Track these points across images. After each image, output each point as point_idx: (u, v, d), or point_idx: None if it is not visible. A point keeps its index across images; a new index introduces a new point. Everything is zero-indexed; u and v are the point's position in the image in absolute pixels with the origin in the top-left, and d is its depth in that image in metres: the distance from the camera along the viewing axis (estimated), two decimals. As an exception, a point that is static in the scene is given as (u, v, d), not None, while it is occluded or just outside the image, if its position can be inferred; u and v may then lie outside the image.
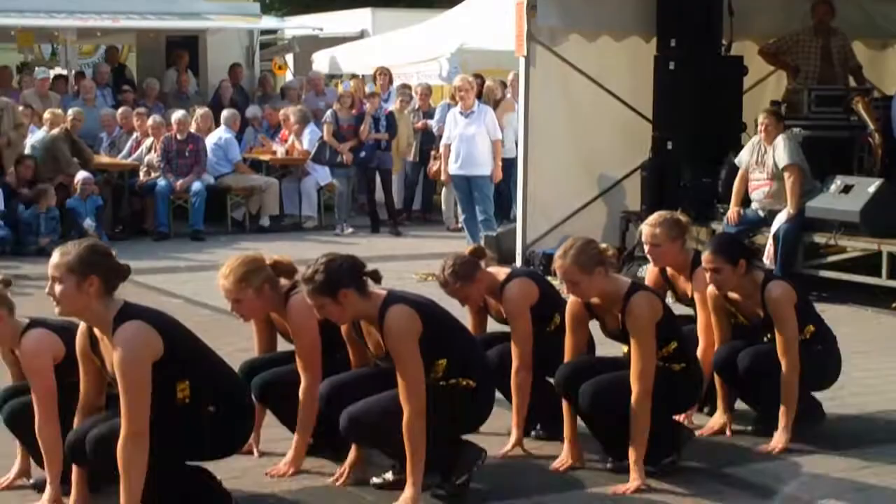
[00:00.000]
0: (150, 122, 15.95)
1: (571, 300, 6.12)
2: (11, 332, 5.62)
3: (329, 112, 16.04)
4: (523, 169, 12.37)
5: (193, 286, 11.36)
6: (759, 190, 11.24)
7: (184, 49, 19.56)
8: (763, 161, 11.14)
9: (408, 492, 5.46)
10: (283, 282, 6.04)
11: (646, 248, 6.86)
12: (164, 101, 18.28)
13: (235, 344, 8.47)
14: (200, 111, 16.54)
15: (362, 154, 15.51)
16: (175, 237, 15.05)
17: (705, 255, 6.46)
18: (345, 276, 5.47)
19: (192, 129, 15.76)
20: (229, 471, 5.86)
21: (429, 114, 16.55)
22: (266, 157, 16.74)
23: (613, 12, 12.39)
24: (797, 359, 6.35)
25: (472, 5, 19.06)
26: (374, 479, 5.88)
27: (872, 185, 10.71)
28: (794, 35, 12.58)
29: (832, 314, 9.04)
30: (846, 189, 10.77)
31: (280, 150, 16.67)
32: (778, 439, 6.36)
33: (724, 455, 6.37)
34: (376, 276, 5.58)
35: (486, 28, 17.36)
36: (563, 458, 6.10)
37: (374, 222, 15.92)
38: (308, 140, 16.22)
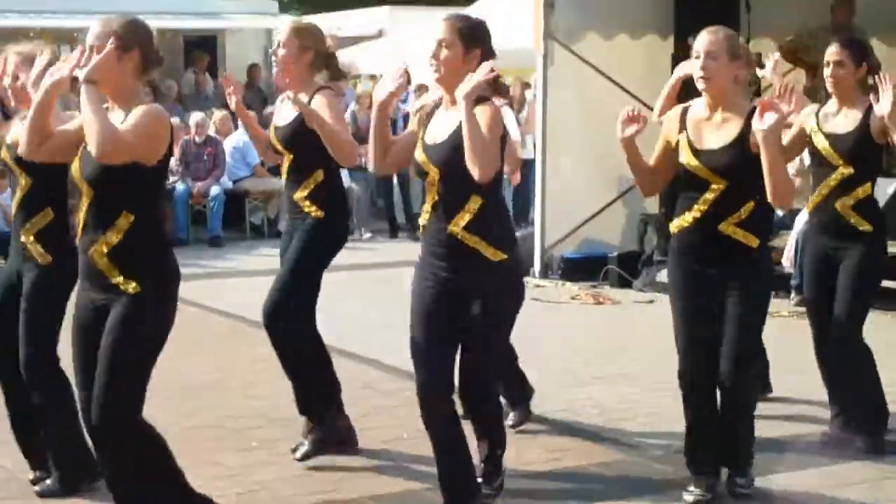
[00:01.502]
0: (168, 125, 15.95)
1: (673, 111, 5.97)
2: None
3: (348, 113, 16.00)
4: (541, 171, 12.33)
5: (212, 294, 11.32)
6: (782, 187, 11.17)
7: (201, 49, 19.57)
8: (789, 160, 11.11)
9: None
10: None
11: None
12: (182, 102, 18.29)
13: (252, 353, 8.49)
14: (219, 113, 16.52)
15: (380, 157, 15.47)
16: (193, 243, 15.05)
17: (831, 49, 6.52)
18: (487, 39, 5.45)
19: (211, 131, 15.75)
20: (248, 485, 5.86)
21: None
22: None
23: (630, 10, 12.36)
24: None
25: (490, 3, 19.00)
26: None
27: (892, 186, 10.61)
28: (811, 33, 12.45)
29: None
30: (866, 189, 10.61)
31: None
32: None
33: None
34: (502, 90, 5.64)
35: (503, 26, 17.27)
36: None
37: (393, 227, 15.89)
38: (327, 142, 16.19)
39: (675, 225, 5.80)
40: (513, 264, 5.43)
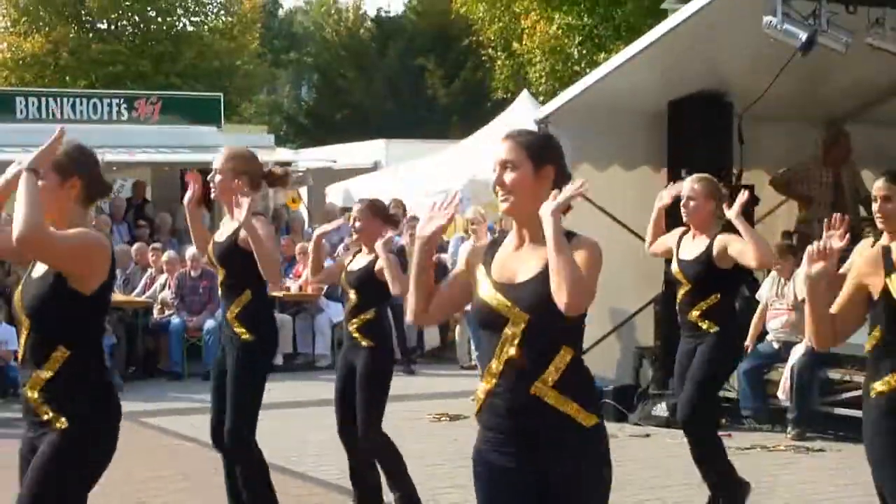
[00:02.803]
0: (164, 257, 15.97)
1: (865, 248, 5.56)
2: None
3: (341, 246, 16.03)
4: (536, 303, 12.28)
5: (205, 428, 11.15)
6: (777, 319, 11.21)
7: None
8: (783, 293, 11.19)
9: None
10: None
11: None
12: (177, 236, 18.35)
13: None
14: (214, 247, 16.56)
15: (374, 290, 15.47)
16: (189, 377, 14.90)
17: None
18: (559, 155, 4.37)
19: (206, 264, 15.77)
20: None
21: (441, 247, 16.50)
22: (279, 294, 16.69)
23: (624, 143, 12.41)
24: None
25: (484, 136, 19.17)
26: None
27: (889, 318, 10.56)
28: (804, 165, 12.58)
29: (847, 453, 8.92)
30: (861, 323, 10.60)
31: (293, 286, 16.64)
32: None
33: None
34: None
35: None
36: None
37: (388, 363, 15.77)
38: (324, 274, 16.20)
39: (880, 384, 4.90)
40: (604, 429, 4.26)
